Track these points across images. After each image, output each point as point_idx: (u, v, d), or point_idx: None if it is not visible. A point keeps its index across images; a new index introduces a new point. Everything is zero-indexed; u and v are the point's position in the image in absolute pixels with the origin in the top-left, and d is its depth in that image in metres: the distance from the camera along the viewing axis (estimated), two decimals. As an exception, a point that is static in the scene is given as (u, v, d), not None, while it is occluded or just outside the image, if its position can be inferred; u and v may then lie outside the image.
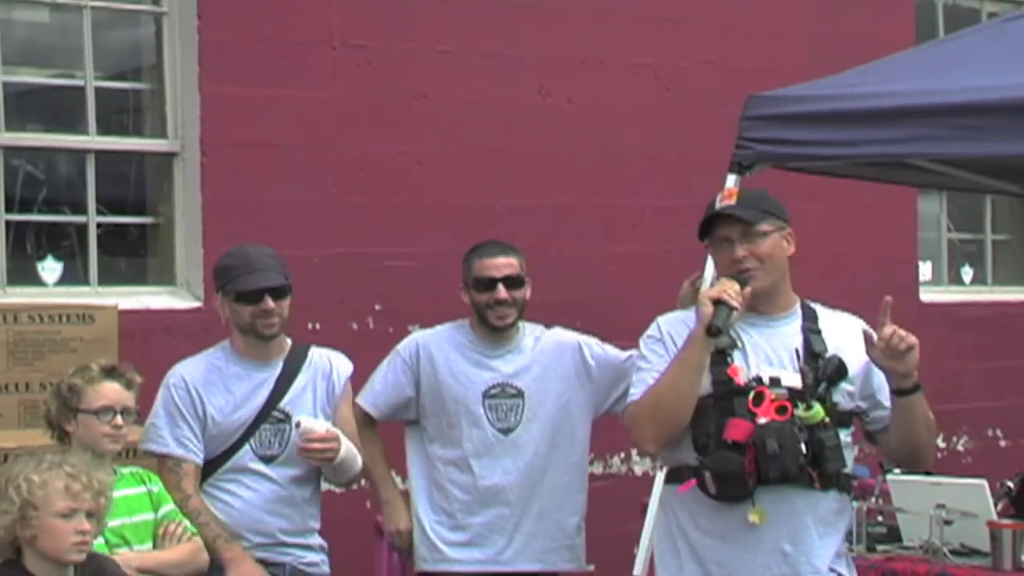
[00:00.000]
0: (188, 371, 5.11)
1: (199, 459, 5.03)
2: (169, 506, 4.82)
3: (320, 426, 5.05)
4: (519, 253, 5.44)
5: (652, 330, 4.39)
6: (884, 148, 5.51)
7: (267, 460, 5.08)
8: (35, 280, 6.72)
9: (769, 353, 4.24)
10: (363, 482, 5.74)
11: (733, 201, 4.29)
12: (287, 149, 7.01)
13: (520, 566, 5.39)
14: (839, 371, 4.21)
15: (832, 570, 4.25)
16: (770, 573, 4.18)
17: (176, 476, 4.97)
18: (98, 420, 4.65)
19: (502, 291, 5.33)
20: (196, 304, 6.74)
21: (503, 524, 5.37)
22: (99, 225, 6.82)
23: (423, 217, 7.32)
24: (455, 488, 5.37)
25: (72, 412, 4.68)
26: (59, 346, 5.52)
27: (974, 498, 5.73)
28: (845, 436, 4.24)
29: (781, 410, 4.11)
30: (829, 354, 4.23)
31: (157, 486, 4.84)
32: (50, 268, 6.77)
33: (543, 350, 5.46)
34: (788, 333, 4.28)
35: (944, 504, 5.69)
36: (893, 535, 5.95)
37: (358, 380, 5.39)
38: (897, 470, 6.01)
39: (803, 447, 4.11)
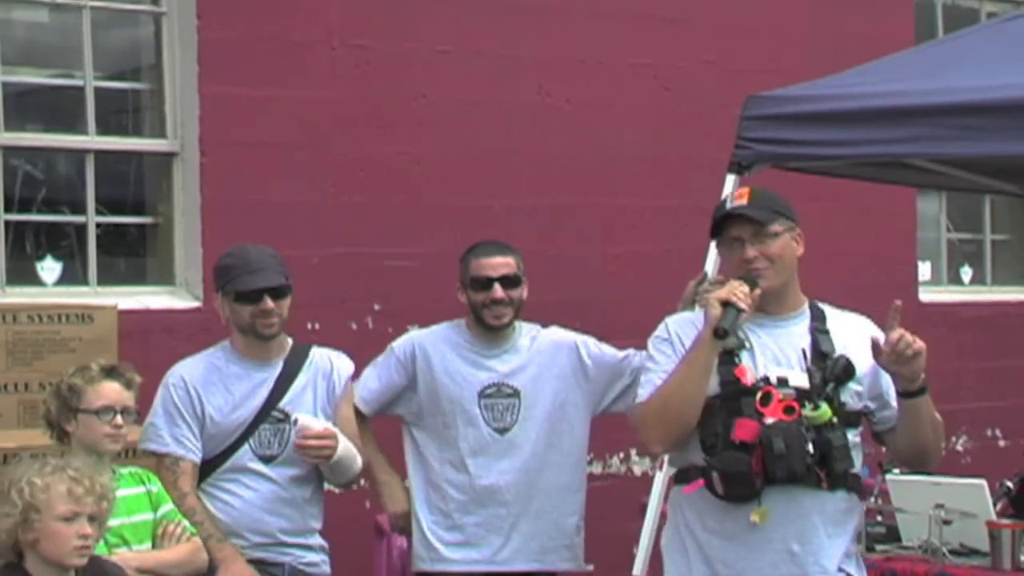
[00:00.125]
0: (187, 371, 5.12)
1: (197, 458, 5.03)
2: (168, 506, 4.82)
3: (317, 424, 5.05)
4: (516, 253, 5.44)
5: (660, 331, 4.39)
6: (883, 148, 5.51)
7: (267, 460, 5.08)
8: (34, 280, 6.71)
9: (777, 353, 4.24)
10: (363, 482, 5.74)
11: (745, 201, 4.28)
12: (286, 149, 7.01)
13: (518, 566, 5.38)
14: (847, 371, 4.20)
15: (841, 570, 4.24)
16: (778, 573, 4.18)
17: (173, 474, 4.97)
18: (98, 420, 4.65)
19: (498, 291, 5.33)
20: (195, 304, 6.74)
21: (500, 524, 5.36)
22: (98, 225, 6.82)
23: (423, 217, 7.32)
24: (451, 488, 5.37)
25: (72, 412, 4.67)
26: (58, 346, 5.52)
27: (973, 498, 5.73)
28: (853, 436, 4.24)
29: (789, 410, 4.11)
30: (837, 354, 4.22)
31: (156, 486, 4.84)
32: (49, 268, 6.77)
33: (539, 349, 5.45)
34: (796, 333, 4.28)
35: (943, 504, 5.69)
36: (892, 535, 5.95)
37: (357, 380, 5.40)
38: (896, 470, 6.01)
39: (810, 447, 4.10)
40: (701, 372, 4.15)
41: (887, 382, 4.23)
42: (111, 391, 4.69)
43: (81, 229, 6.80)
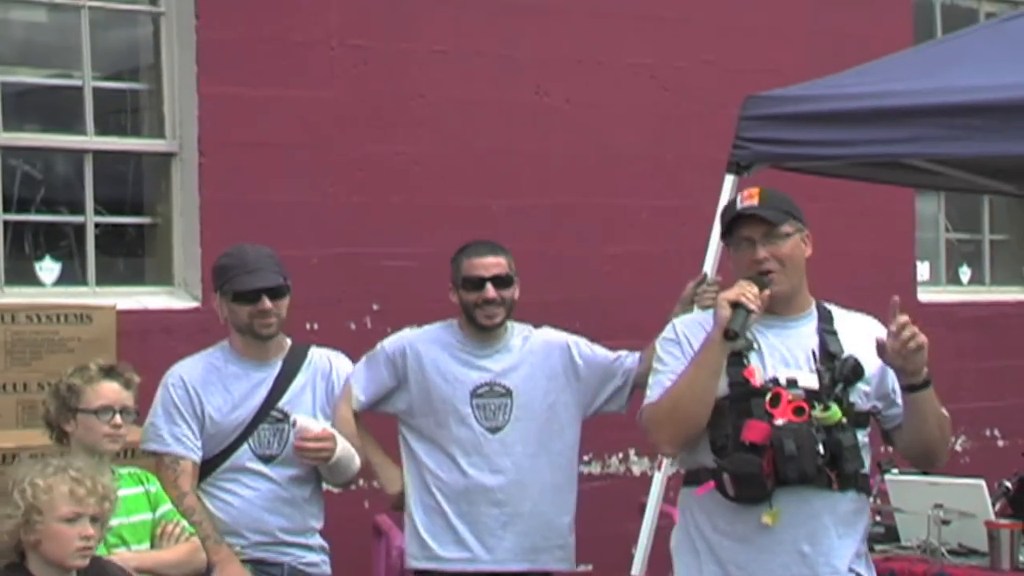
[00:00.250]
0: (186, 371, 5.12)
1: (196, 457, 5.04)
2: (167, 506, 4.82)
3: (316, 425, 5.06)
4: (508, 253, 5.43)
5: (668, 332, 4.38)
6: (882, 148, 5.51)
7: (266, 460, 5.08)
8: (33, 280, 6.71)
9: (785, 354, 4.24)
10: (362, 482, 5.74)
11: (756, 201, 4.26)
12: (285, 149, 7.00)
13: (510, 565, 5.37)
14: (855, 371, 4.19)
15: (852, 570, 4.23)
16: (789, 574, 4.17)
17: (173, 473, 4.98)
18: (97, 420, 4.65)
19: (490, 290, 5.32)
20: (194, 304, 6.74)
21: (492, 523, 5.35)
22: (97, 225, 6.82)
23: (422, 217, 7.32)
24: (444, 487, 5.36)
25: (71, 412, 4.67)
26: (57, 346, 5.51)
27: (972, 498, 5.73)
28: (862, 436, 4.23)
29: (798, 411, 4.11)
30: (845, 355, 4.22)
31: (155, 486, 4.84)
32: (48, 268, 6.77)
33: (531, 349, 5.45)
34: (804, 334, 4.28)
35: (942, 504, 5.69)
36: (891, 535, 5.95)
37: (356, 380, 5.39)
38: (895, 470, 6.02)
39: (821, 448, 4.10)
40: (711, 373, 4.14)
41: (893, 380, 4.22)
42: (110, 391, 4.69)
43: (80, 229, 6.80)
